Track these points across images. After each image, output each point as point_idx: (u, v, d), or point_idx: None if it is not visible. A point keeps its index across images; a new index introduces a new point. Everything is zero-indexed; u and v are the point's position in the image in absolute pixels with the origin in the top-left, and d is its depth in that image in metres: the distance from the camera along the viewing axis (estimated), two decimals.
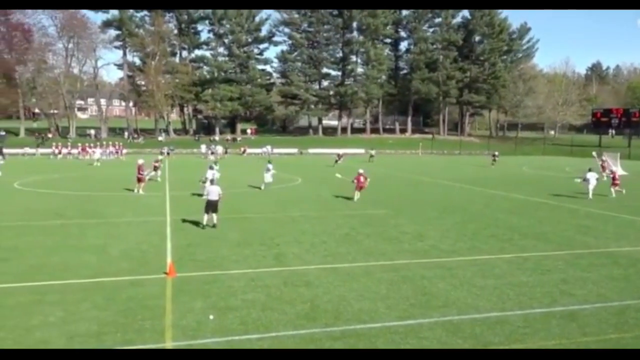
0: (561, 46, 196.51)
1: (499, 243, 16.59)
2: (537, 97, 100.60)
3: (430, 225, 19.53)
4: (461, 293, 11.43)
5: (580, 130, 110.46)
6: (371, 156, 59.04)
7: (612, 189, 29.35)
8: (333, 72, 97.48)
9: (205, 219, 18.46)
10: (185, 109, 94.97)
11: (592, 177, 29.00)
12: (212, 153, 64.00)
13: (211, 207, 18.38)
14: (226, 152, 65.48)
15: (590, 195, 28.15)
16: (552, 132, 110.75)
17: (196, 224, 18.90)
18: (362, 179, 27.08)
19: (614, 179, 30.15)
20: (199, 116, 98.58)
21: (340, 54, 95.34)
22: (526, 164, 53.31)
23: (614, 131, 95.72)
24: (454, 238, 17.25)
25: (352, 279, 12.32)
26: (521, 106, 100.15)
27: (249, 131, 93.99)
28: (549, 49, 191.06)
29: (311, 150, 75.90)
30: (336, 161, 49.48)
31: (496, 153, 57.54)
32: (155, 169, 34.72)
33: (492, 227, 19.28)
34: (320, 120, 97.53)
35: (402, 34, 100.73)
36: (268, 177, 30.54)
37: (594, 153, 49.33)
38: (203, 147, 67.53)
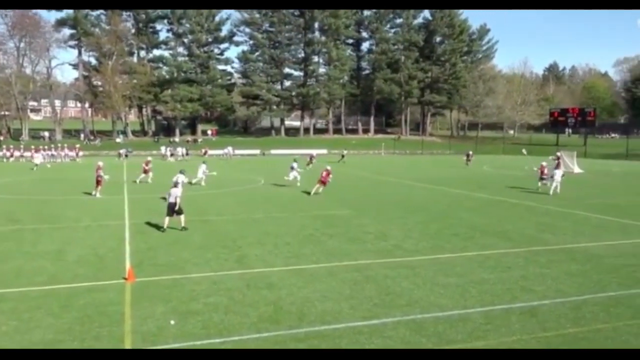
0: (519, 47, 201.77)
1: (461, 242, 16.85)
2: (496, 97, 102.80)
3: (393, 225, 19.69)
4: (424, 292, 11.55)
5: (539, 129, 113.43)
6: (342, 156, 58.80)
7: (540, 183, 31.84)
8: (295, 73, 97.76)
9: (165, 222, 18.23)
10: (143, 110, 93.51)
11: (557, 174, 30.35)
12: (172, 155, 63.25)
13: (170, 209, 18.21)
14: (187, 154, 65.03)
15: (550, 192, 29.19)
16: (512, 132, 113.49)
17: (157, 227, 18.64)
18: (324, 173, 28.36)
19: (542, 173, 32.42)
20: (158, 117, 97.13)
21: (302, 54, 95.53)
22: (487, 163, 54.42)
23: (570, 130, 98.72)
24: (416, 237, 17.43)
25: (316, 280, 12.32)
26: (481, 106, 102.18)
27: (209, 132, 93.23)
28: (507, 50, 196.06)
29: (273, 151, 75.72)
30: (308, 163, 47.97)
31: (470, 152, 56.40)
32: (146, 171, 34.44)
33: (455, 226, 19.57)
34: (282, 121, 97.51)
35: (364, 34, 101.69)
36: (294, 174, 32.42)
37: (523, 150, 50.45)
38: (163, 149, 66.63)
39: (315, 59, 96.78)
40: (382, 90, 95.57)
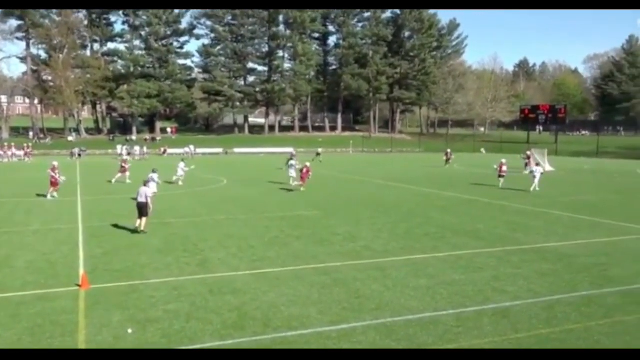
0: (489, 43, 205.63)
1: (432, 242, 17.05)
2: (467, 93, 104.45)
3: (362, 226, 19.79)
4: (394, 294, 11.63)
5: (510, 127, 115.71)
6: (317, 154, 58.45)
7: (500, 180, 33.37)
8: (259, 68, 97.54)
9: (137, 223, 17.98)
10: (98, 106, 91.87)
11: (537, 170, 31.63)
12: (130, 154, 62.32)
13: (139, 210, 18.00)
14: (146, 153, 64.18)
15: (531, 189, 30.22)
16: (482, 129, 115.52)
17: (112, 230, 18.38)
18: (304, 170, 30.28)
19: (500, 170, 33.74)
20: (114, 114, 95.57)
21: (267, 49, 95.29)
22: (457, 161, 55.11)
23: (541, 128, 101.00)
24: (386, 238, 17.55)
25: (282, 284, 12.29)
26: (451, 103, 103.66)
27: (169, 130, 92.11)
28: (477, 46, 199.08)
29: (237, 150, 75.30)
30: (289, 159, 47.15)
31: (449, 151, 53.69)
32: (124, 170, 34.12)
33: (425, 226, 19.79)
34: (246, 118, 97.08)
35: (331, 28, 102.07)
36: (292, 173, 32.48)
37: (482, 150, 51.02)
38: (118, 148, 65.49)
39: (280, 53, 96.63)
40: (350, 86, 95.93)
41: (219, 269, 13.66)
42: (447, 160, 51.31)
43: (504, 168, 33.81)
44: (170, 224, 19.83)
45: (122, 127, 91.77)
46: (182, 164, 33.97)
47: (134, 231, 17.96)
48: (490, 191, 30.93)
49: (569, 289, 12.17)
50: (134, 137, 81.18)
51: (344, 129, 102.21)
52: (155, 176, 25.74)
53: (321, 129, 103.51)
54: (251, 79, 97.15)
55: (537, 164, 33.41)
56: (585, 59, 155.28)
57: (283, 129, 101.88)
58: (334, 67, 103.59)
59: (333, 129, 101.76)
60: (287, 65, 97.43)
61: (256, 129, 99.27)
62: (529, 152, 47.16)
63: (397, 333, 9.52)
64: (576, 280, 12.87)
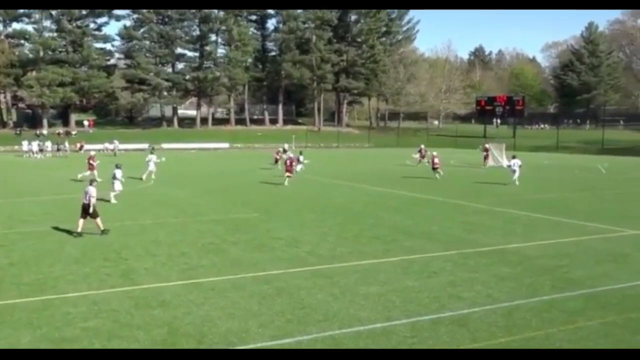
0: (442, 29, 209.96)
1: (384, 245, 17.31)
2: (419, 83, 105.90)
3: (307, 229, 19.87)
4: (343, 304, 11.70)
5: (466, 119, 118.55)
6: (284, 151, 58.30)
7: (436, 174, 36.97)
8: (189, 53, 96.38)
9: (79, 225, 18.20)
10: (2, 96, 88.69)
11: (515, 164, 33.97)
12: (41, 150, 60.39)
13: (84, 210, 18.38)
14: (58, 149, 62.19)
15: (516, 181, 33.21)
16: (436, 122, 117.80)
17: (20, 238, 17.79)
18: (288, 162, 33.04)
19: (433, 163, 37.79)
20: (21, 105, 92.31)
21: (198, 32, 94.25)
22: (410, 157, 56.00)
23: (499, 121, 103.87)
24: (333, 242, 17.68)
25: (218, 295, 12.20)
26: (402, 93, 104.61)
27: (86, 123, 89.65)
28: (430, 32, 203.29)
29: (165, 145, 74.00)
30: (277, 159, 44.30)
31: (423, 147, 51.41)
32: (91, 168, 33.62)
33: (376, 228, 20.05)
34: (174, 110, 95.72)
35: (269, 10, 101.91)
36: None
37: (415, 153, 52.20)
38: (25, 144, 63.27)
39: (213, 37, 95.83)
40: (291, 74, 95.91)
41: (145, 280, 13.42)
42: (422, 157, 48.65)
43: (436, 160, 37.66)
44: (88, 229, 19.28)
45: (30, 120, 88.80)
46: (152, 157, 34.76)
47: (46, 238, 17.55)
48: (446, 189, 31.60)
49: (529, 293, 12.56)
50: (44, 132, 78.53)
51: (285, 122, 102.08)
52: (118, 173, 25.98)
53: (260, 122, 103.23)
54: (180, 65, 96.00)
55: (514, 157, 35.75)
56: (544, 47, 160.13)
57: (217, 121, 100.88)
58: (273, 53, 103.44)
59: (273, 122, 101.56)
60: (220, 50, 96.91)
61: (186, 122, 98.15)
62: (487, 145, 48.54)
63: (346, 346, 9.57)
64: (537, 283, 13.30)
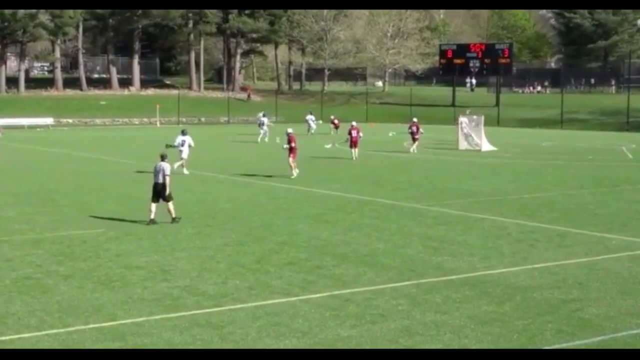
0: None
1: (302, 274, 15.42)
2: (352, 24, 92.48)
3: (181, 251, 17.64)
4: None
5: (425, 80, 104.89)
6: (260, 125, 54.87)
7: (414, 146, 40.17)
8: None
9: (152, 210, 20.55)
10: None
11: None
12: None
13: (156, 192, 20.34)
14: None
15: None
16: (380, 84, 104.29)
17: None
18: (292, 144, 33.39)
19: (412, 134, 41.53)
20: None
21: None
22: (339, 139, 55.25)
23: (474, 81, 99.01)
24: (223, 272, 15.66)
25: None
26: (327, 40, 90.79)
27: None
28: None
29: None
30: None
31: (415, 120, 47.33)
32: None
33: (289, 248, 18.09)
34: None
35: None
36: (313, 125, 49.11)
37: (391, 133, 53.79)
38: None
39: None
40: (151, 10, 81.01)
41: None
42: (413, 139, 45.76)
43: (354, 133, 39.39)
44: None
45: None
46: (188, 138, 34.96)
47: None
48: (394, 186, 29.47)
49: (523, 343, 11.00)
50: None
51: (144, 84, 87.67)
52: (188, 139, 33.41)
53: (104, 83, 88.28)
54: None
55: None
56: None
57: (34, 83, 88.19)
58: None
59: (125, 84, 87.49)
60: None
61: None
62: (462, 118, 48.50)
63: None
64: (534, 328, 11.72)
